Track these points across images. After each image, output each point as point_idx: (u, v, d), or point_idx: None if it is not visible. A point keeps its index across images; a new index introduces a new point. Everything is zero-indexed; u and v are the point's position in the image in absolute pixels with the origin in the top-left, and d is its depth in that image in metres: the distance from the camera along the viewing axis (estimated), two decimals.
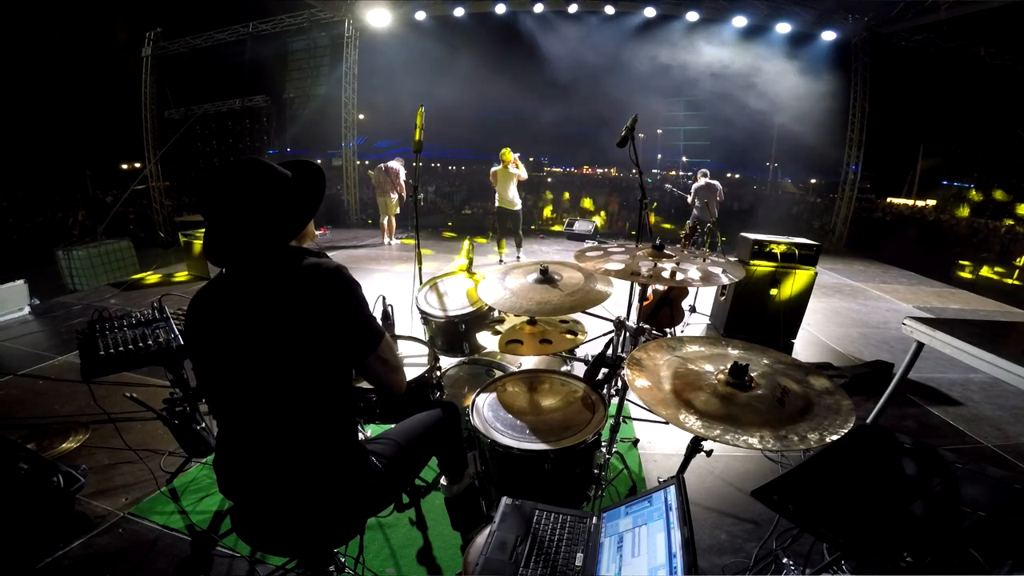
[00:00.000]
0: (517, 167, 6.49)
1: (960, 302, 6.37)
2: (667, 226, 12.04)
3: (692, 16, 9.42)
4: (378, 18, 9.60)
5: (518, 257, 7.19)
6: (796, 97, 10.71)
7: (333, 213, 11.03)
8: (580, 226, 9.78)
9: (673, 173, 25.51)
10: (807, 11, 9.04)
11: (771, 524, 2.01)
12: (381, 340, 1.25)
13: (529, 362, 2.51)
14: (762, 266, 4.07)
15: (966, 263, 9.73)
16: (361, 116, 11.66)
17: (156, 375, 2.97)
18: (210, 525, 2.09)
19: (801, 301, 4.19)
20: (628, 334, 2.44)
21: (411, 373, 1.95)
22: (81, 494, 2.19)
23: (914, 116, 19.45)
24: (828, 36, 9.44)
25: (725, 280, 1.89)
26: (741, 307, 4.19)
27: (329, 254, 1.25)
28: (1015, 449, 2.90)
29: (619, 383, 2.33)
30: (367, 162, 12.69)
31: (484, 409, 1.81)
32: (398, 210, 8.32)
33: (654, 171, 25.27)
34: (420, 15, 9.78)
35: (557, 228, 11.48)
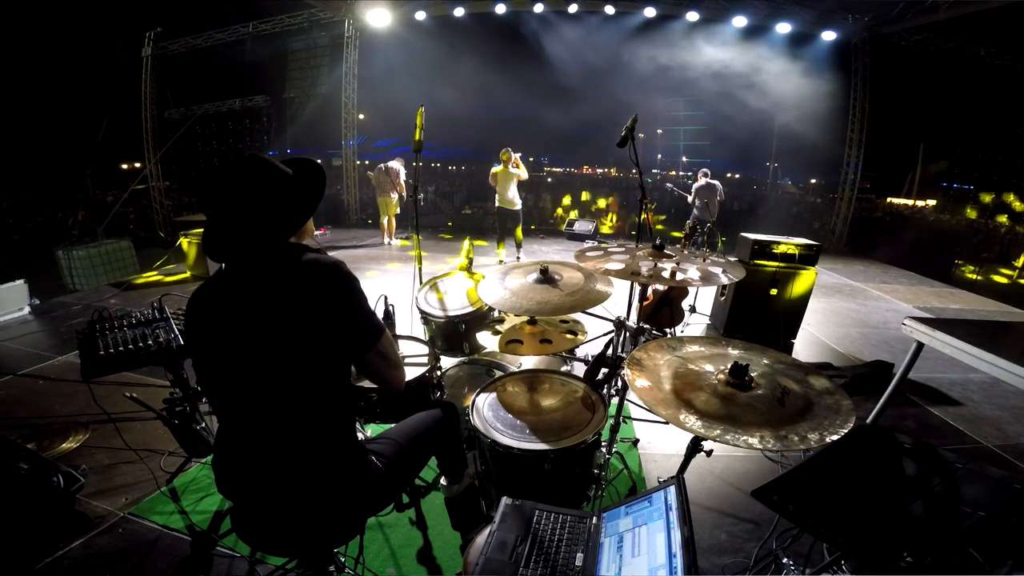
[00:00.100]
0: (517, 167, 6.49)
1: (960, 302, 6.37)
2: (660, 227, 12.03)
3: (692, 16, 9.42)
4: (378, 18, 9.60)
5: (518, 257, 7.19)
6: (796, 97, 10.71)
7: (333, 213, 11.03)
8: (580, 226, 9.78)
9: (673, 173, 25.52)
10: (807, 11, 9.04)
11: (771, 524, 2.01)
12: (382, 335, 1.25)
13: (529, 362, 2.52)
14: (762, 266, 4.07)
15: (967, 265, 9.72)
16: (361, 116, 11.66)
17: (156, 375, 2.97)
18: (210, 525, 2.09)
19: (801, 301, 4.19)
20: (628, 334, 2.44)
21: (411, 373, 1.95)
22: (81, 494, 2.19)
23: (914, 116, 19.46)
24: (828, 36, 9.44)
25: (725, 280, 1.89)
26: (741, 307, 4.19)
27: (329, 254, 1.25)
28: (1015, 449, 2.90)
29: (619, 383, 2.33)
30: (367, 162, 12.69)
31: (484, 409, 1.81)
32: (398, 210, 8.32)
33: (654, 171, 25.28)
34: (420, 15, 9.78)
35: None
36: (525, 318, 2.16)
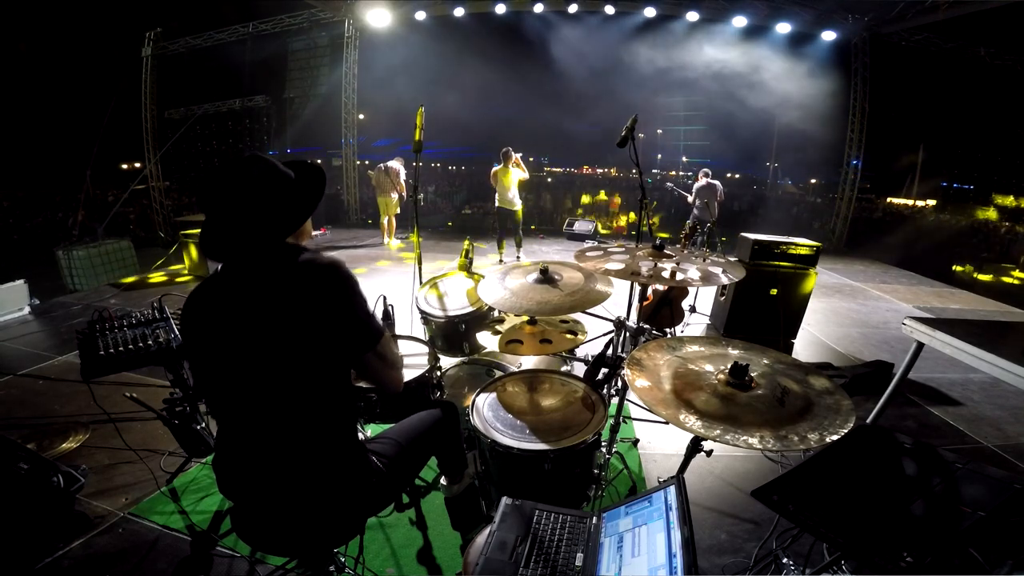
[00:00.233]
0: (518, 167, 6.49)
1: (960, 302, 6.36)
2: (653, 222, 12.03)
3: (692, 16, 9.42)
4: (378, 18, 9.60)
5: (518, 257, 7.19)
6: (796, 97, 10.71)
7: (333, 213, 11.02)
8: (580, 226, 9.78)
9: (673, 173, 25.51)
10: (807, 11, 9.04)
11: (771, 524, 2.01)
12: (381, 337, 1.25)
13: (529, 362, 2.52)
14: (762, 266, 4.07)
15: (968, 265, 9.73)
16: (361, 116, 11.66)
17: (156, 375, 2.97)
18: (210, 525, 2.09)
19: (801, 301, 4.18)
20: (628, 334, 2.44)
21: (411, 373, 1.95)
22: (81, 494, 2.19)
23: (914, 116, 19.46)
24: (828, 36, 9.43)
25: (725, 280, 1.89)
26: (741, 307, 4.19)
27: (329, 254, 1.25)
28: (1015, 449, 2.90)
29: (619, 383, 2.33)
30: (367, 162, 12.68)
31: (484, 409, 1.81)
32: (398, 210, 8.32)
33: (654, 171, 25.27)
34: (420, 15, 9.78)
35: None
36: (525, 318, 2.16)
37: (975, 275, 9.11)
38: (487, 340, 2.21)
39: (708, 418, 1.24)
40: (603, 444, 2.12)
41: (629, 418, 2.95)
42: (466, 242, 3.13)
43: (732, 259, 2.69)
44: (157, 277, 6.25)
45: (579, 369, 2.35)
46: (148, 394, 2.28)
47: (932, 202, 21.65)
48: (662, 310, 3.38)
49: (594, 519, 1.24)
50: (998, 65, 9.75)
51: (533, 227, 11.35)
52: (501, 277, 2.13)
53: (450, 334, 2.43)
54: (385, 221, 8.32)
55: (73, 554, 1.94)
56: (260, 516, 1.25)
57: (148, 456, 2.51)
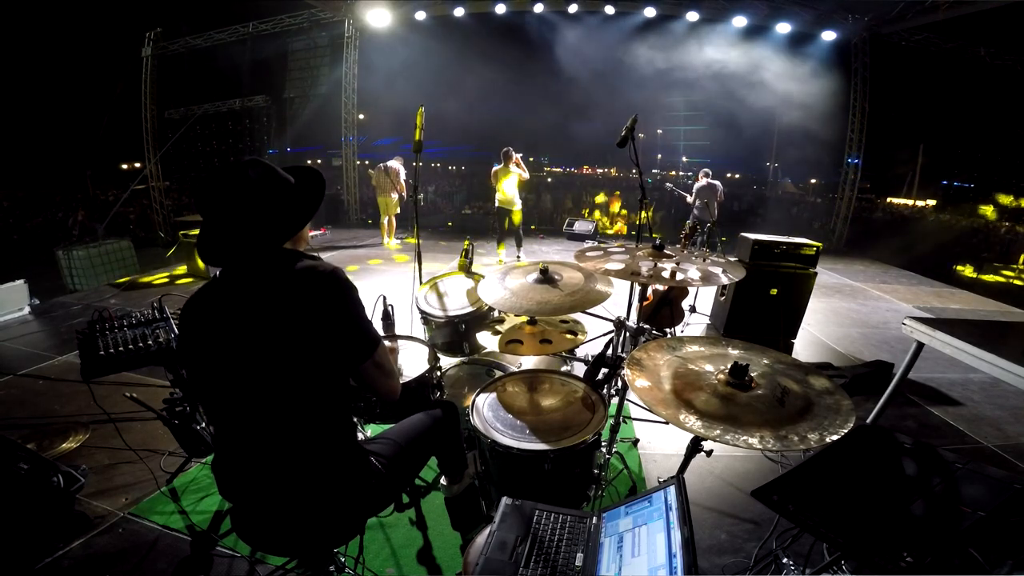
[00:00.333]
0: (518, 167, 6.50)
1: (960, 302, 6.37)
2: (654, 220, 12.05)
3: (692, 16, 9.42)
4: (378, 18, 9.60)
5: (518, 257, 7.19)
6: (796, 97, 10.70)
7: (333, 213, 11.02)
8: (580, 226, 9.78)
9: (673, 173, 25.49)
10: (807, 11, 9.04)
11: (771, 524, 2.01)
12: (377, 347, 1.25)
13: (529, 362, 2.51)
14: (762, 266, 4.07)
15: (966, 265, 9.73)
16: (361, 116, 11.67)
17: (156, 375, 2.97)
18: (210, 525, 2.09)
19: (801, 301, 4.18)
20: (628, 334, 2.44)
21: (411, 373, 1.95)
22: (81, 494, 2.19)
23: (914, 116, 19.45)
24: (828, 36, 9.43)
25: (725, 280, 1.89)
26: (741, 307, 4.19)
27: (329, 254, 1.24)
28: (1015, 449, 2.90)
29: (619, 383, 2.33)
30: (367, 161, 12.67)
31: (484, 409, 1.81)
32: (398, 210, 8.33)
33: (654, 171, 25.23)
34: (420, 15, 9.78)
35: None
36: (525, 318, 2.16)
37: (978, 275, 9.10)
38: (487, 340, 2.21)
39: (708, 418, 1.24)
40: (603, 444, 2.12)
41: (629, 418, 2.95)
42: (466, 242, 3.13)
43: (732, 259, 2.69)
44: (160, 278, 6.24)
45: (579, 369, 2.35)
46: (148, 394, 2.28)
47: (932, 202, 21.65)
48: (662, 310, 3.38)
49: (594, 519, 1.24)
50: (998, 65, 9.76)
51: (533, 227, 11.35)
52: (501, 277, 2.13)
53: (450, 334, 2.43)
54: (385, 221, 8.32)
55: (73, 554, 1.94)
56: (260, 517, 1.25)
57: (148, 456, 2.51)
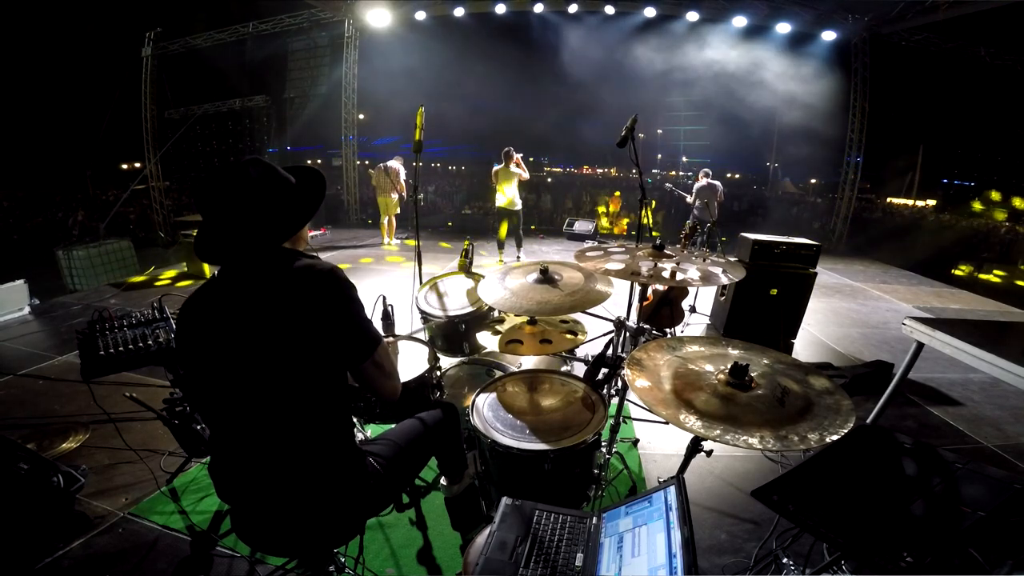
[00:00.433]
0: (519, 167, 6.50)
1: (960, 302, 6.37)
2: (656, 220, 12.03)
3: (692, 16, 9.42)
4: (378, 18, 9.60)
5: (518, 257, 7.20)
6: (796, 97, 10.70)
7: (333, 213, 11.02)
8: (580, 226, 9.78)
9: (673, 173, 25.49)
10: (807, 11, 9.04)
11: (771, 524, 2.01)
12: (377, 346, 1.24)
13: (529, 362, 2.51)
14: (762, 266, 4.07)
15: (966, 266, 9.72)
16: (361, 116, 11.66)
17: (156, 375, 2.97)
18: (210, 525, 2.09)
19: (801, 301, 4.18)
20: (628, 334, 2.44)
21: (411, 373, 1.95)
22: (81, 494, 2.19)
23: (914, 116, 19.45)
24: (828, 36, 9.44)
25: (725, 280, 1.89)
26: (741, 307, 4.19)
27: (329, 254, 1.25)
28: (1015, 449, 2.90)
29: (619, 383, 2.33)
30: (367, 161, 12.67)
31: (484, 409, 1.81)
32: (398, 210, 8.33)
33: (654, 171, 25.23)
34: (420, 15, 9.78)
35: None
36: (525, 318, 2.16)
37: (977, 275, 9.09)
38: (487, 340, 2.21)
39: (708, 418, 1.24)
40: (603, 444, 2.12)
41: (629, 418, 2.95)
42: (466, 242, 3.13)
43: (732, 259, 2.69)
44: (163, 279, 6.24)
45: (579, 369, 2.35)
46: (148, 394, 2.28)
47: (932, 202, 21.65)
48: (662, 310, 3.38)
49: (594, 519, 1.24)
50: (998, 65, 9.76)
51: (533, 227, 11.35)
52: (501, 277, 2.13)
53: (450, 334, 2.43)
54: (385, 221, 8.33)
55: (73, 554, 1.94)
56: (259, 519, 1.25)
57: (148, 456, 2.51)
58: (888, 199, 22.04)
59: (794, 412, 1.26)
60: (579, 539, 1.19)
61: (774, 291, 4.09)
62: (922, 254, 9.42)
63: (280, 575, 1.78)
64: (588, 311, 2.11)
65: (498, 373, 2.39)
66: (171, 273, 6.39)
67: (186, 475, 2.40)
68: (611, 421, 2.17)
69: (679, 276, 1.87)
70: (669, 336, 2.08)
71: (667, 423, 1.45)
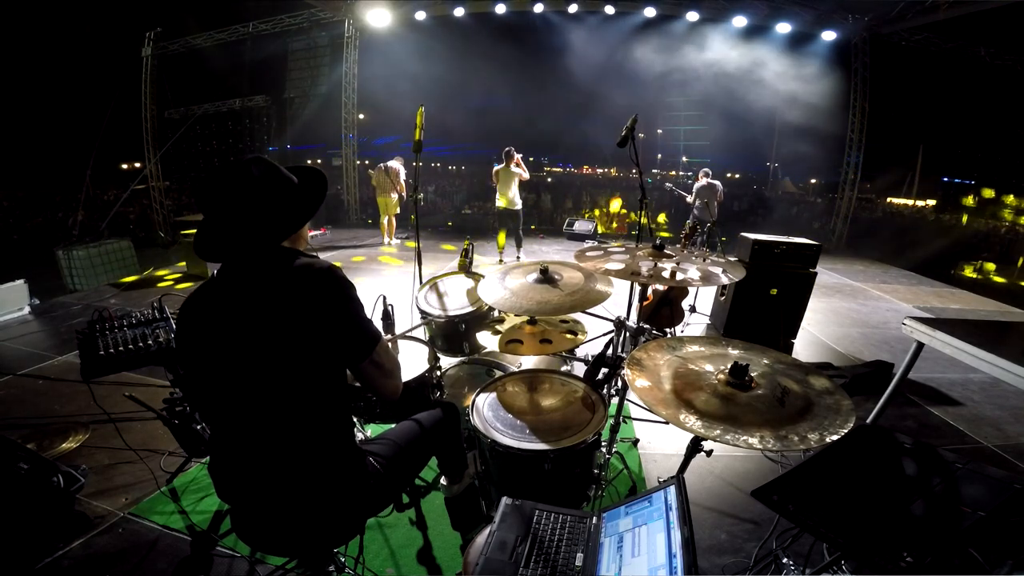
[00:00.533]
0: (519, 167, 6.51)
1: (960, 302, 6.37)
2: (659, 220, 12.05)
3: (692, 16, 9.42)
4: (378, 18, 9.60)
5: (518, 257, 7.20)
6: (796, 97, 10.71)
7: (333, 213, 11.02)
8: (580, 226, 9.78)
9: (673, 173, 25.49)
10: (807, 11, 9.04)
11: (771, 524, 2.01)
12: (376, 344, 1.24)
13: (529, 362, 2.51)
14: (762, 266, 4.07)
15: (967, 266, 9.72)
16: (361, 116, 11.66)
17: (156, 375, 2.97)
18: (210, 525, 2.10)
19: (801, 301, 4.18)
20: (628, 334, 2.44)
21: (411, 373, 1.95)
22: (81, 494, 2.19)
23: (914, 116, 19.45)
24: (828, 36, 9.44)
25: (725, 280, 1.89)
26: (741, 307, 4.19)
27: (329, 254, 1.25)
28: (1015, 449, 2.90)
29: (619, 383, 2.33)
30: (367, 160, 12.68)
31: (484, 409, 1.81)
32: (398, 210, 8.33)
33: (654, 171, 25.24)
34: (420, 15, 9.78)
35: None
36: (525, 318, 2.16)
37: (981, 275, 9.08)
38: (487, 340, 2.21)
39: (708, 418, 1.24)
40: (603, 444, 2.12)
41: (629, 418, 2.95)
42: (466, 242, 3.13)
43: (732, 259, 2.69)
44: (165, 279, 6.24)
45: (579, 369, 2.35)
46: (148, 394, 2.28)
47: (932, 202, 21.64)
48: (662, 310, 3.38)
49: (594, 519, 1.24)
50: (998, 65, 9.75)
51: (533, 227, 11.35)
52: (501, 277, 2.13)
53: (450, 334, 2.43)
54: (385, 221, 8.33)
55: (73, 554, 1.94)
56: (259, 518, 1.25)
57: (148, 456, 2.51)
58: (888, 199, 22.04)
59: (794, 412, 1.26)
60: (579, 539, 1.19)
61: (774, 291, 4.09)
62: (922, 254, 9.43)
63: (280, 575, 1.78)
64: (588, 311, 2.10)
65: (498, 373, 2.39)
66: (171, 274, 6.40)
67: (186, 475, 2.40)
68: (611, 421, 2.17)
69: (679, 276, 1.87)
70: (669, 336, 2.08)
71: (667, 423, 1.45)
